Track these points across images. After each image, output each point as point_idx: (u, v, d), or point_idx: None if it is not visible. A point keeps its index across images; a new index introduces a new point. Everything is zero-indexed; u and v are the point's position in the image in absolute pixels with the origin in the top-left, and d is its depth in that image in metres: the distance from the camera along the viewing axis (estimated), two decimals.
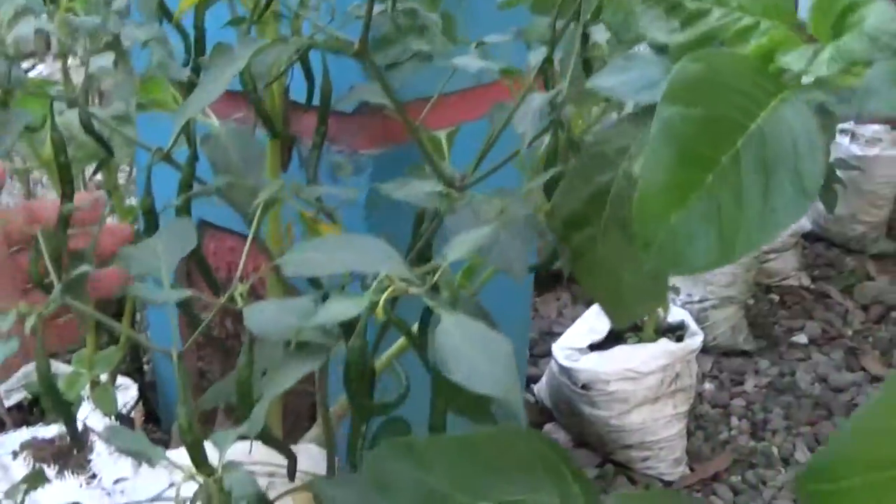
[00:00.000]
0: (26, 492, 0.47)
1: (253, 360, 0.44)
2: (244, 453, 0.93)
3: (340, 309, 0.38)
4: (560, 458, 0.56)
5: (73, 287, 0.45)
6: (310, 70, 0.73)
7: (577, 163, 0.49)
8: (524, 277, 0.50)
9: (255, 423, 0.40)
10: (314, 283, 0.59)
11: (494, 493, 0.42)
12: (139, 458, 0.39)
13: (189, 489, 0.40)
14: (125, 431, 0.39)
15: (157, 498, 0.85)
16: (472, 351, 0.35)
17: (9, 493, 0.53)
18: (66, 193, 0.59)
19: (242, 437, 0.41)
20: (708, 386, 1.71)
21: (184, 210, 0.62)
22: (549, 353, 1.54)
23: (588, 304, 1.64)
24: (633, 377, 1.39)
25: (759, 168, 0.42)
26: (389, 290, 0.38)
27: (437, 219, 0.54)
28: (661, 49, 0.54)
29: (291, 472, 0.52)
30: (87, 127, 0.68)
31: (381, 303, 0.38)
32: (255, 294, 0.54)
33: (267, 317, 0.42)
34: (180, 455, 0.93)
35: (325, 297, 0.50)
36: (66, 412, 0.50)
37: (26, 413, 1.04)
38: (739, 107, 0.43)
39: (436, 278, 0.40)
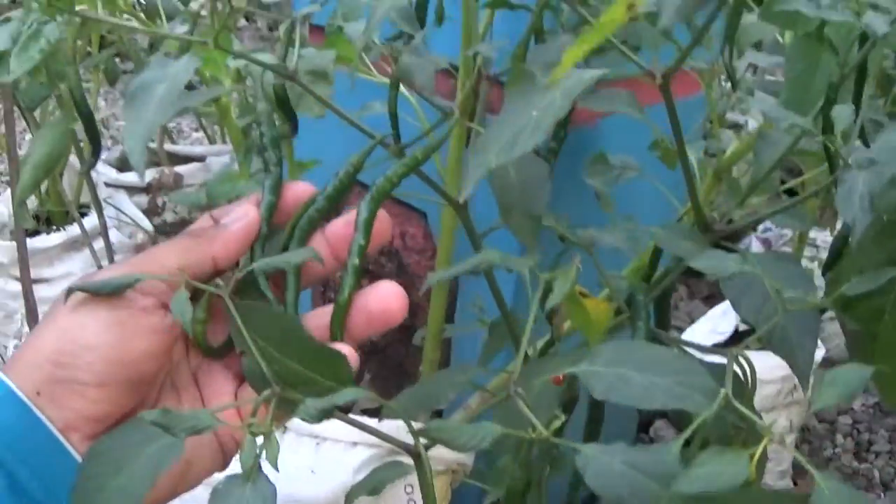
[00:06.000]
0: None
1: None
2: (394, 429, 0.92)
3: (720, 475, 0.32)
4: None
5: None
6: None
7: (871, 227, 0.46)
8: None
9: None
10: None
11: None
12: None
13: None
14: None
15: None
16: None
17: None
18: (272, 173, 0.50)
19: None
20: None
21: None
22: None
23: (706, 301, 1.60)
24: None
25: None
26: (765, 442, 0.33)
27: (680, 265, 0.49)
28: None
29: None
30: (280, 95, 0.64)
31: (755, 462, 0.32)
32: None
33: (615, 475, 0.33)
34: (333, 427, 0.93)
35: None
36: None
37: None
38: None
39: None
